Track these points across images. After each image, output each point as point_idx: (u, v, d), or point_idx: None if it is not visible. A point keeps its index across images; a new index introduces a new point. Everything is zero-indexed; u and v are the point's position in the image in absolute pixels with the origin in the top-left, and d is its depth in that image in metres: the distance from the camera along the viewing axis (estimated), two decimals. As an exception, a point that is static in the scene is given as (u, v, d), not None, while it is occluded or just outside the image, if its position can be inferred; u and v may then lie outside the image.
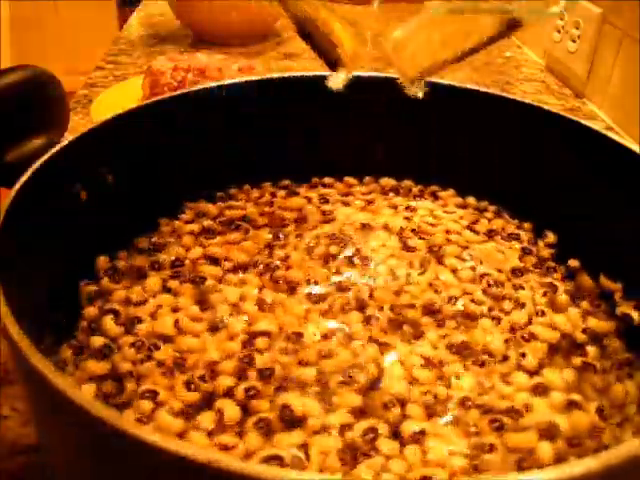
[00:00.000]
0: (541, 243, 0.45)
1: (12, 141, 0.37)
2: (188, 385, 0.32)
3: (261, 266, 0.40)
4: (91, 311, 0.37)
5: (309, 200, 0.48)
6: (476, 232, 0.46)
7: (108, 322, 0.36)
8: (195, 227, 0.44)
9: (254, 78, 0.49)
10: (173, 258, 0.41)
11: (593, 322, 0.39)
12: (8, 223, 0.30)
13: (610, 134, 0.41)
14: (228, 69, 0.70)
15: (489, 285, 0.41)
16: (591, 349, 0.37)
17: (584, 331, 0.38)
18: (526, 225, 0.47)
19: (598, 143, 0.41)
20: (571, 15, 0.84)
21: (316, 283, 0.39)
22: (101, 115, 0.62)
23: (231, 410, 0.31)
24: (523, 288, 0.41)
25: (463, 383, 0.34)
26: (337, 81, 0.38)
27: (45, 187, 0.34)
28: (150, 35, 1.01)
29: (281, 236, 0.43)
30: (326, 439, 0.30)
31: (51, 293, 0.37)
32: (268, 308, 0.37)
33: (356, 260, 0.41)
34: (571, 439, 0.31)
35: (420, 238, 0.44)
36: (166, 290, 0.39)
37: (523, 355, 0.35)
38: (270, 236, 0.43)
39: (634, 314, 0.38)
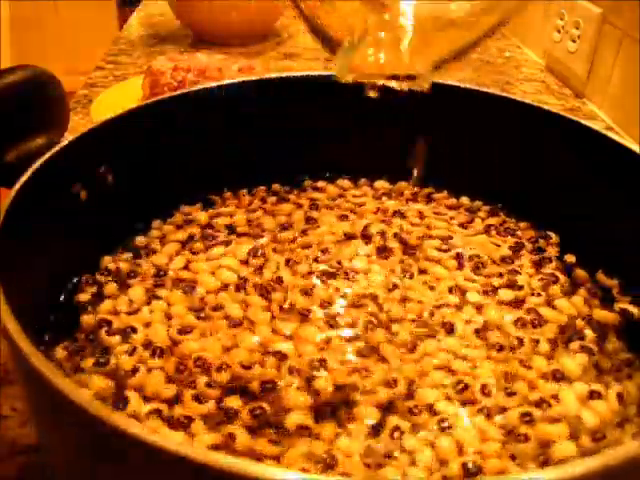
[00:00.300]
0: (542, 241, 0.45)
1: (12, 141, 0.37)
2: (196, 398, 0.32)
3: (251, 285, 0.39)
4: (88, 319, 0.37)
5: (299, 206, 0.47)
6: (465, 227, 0.46)
7: (102, 334, 0.35)
8: (182, 235, 0.44)
9: (254, 78, 0.49)
10: (156, 267, 0.41)
11: (596, 311, 0.39)
12: (8, 223, 0.30)
13: (610, 134, 0.41)
14: (228, 69, 0.70)
15: (477, 267, 0.42)
16: (588, 333, 0.38)
17: (584, 318, 0.39)
18: (522, 225, 0.47)
19: (598, 143, 0.41)
20: (571, 15, 0.84)
21: (326, 306, 0.38)
22: (101, 115, 0.62)
23: (242, 437, 0.30)
24: (519, 273, 0.42)
25: (485, 371, 0.34)
26: (340, 68, 0.34)
27: (45, 187, 0.34)
28: (150, 35, 1.01)
29: (260, 251, 0.42)
30: (348, 442, 0.30)
31: (51, 293, 0.38)
32: (284, 335, 0.36)
33: (341, 274, 0.40)
34: (595, 433, 0.31)
35: (400, 242, 0.44)
36: (155, 298, 0.38)
37: (537, 341, 0.36)
38: (251, 246, 0.42)
39: (634, 309, 0.38)
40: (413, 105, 0.48)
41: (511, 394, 0.33)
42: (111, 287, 0.39)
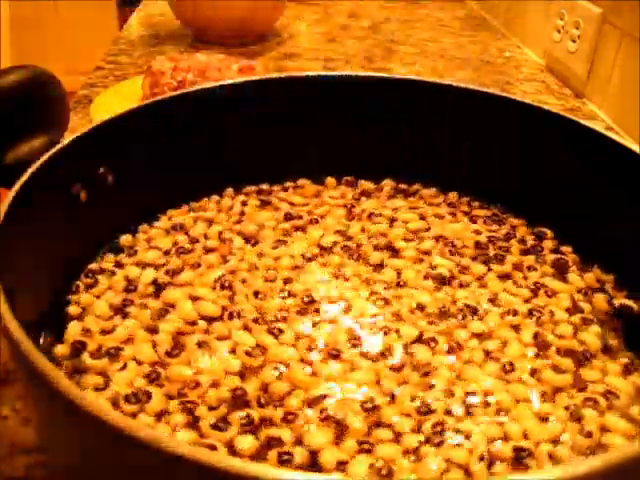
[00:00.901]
0: (533, 237, 0.46)
1: (12, 141, 0.37)
2: (215, 426, 0.30)
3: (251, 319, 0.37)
4: (62, 349, 0.35)
5: (276, 210, 0.47)
6: (441, 217, 0.47)
7: (87, 360, 0.34)
8: (167, 242, 0.43)
9: (254, 78, 0.49)
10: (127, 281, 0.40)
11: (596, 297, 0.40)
12: (8, 223, 0.30)
13: (610, 134, 0.41)
14: (228, 69, 0.70)
15: (452, 253, 0.43)
16: (586, 306, 0.39)
17: (579, 291, 0.41)
18: (515, 221, 0.47)
19: (598, 143, 0.41)
20: (571, 15, 0.84)
21: (355, 343, 0.36)
22: (101, 115, 0.62)
23: None
24: (504, 257, 0.43)
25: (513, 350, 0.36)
26: None
27: (45, 187, 0.34)
28: (150, 35, 1.01)
29: (226, 282, 0.39)
30: (388, 447, 0.30)
31: (51, 293, 0.37)
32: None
33: (315, 306, 0.38)
34: None
35: (348, 253, 0.43)
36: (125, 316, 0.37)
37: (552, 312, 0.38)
38: (219, 273, 0.40)
39: (633, 304, 0.39)
40: (413, 105, 0.48)
41: (561, 372, 0.34)
42: (89, 298, 0.38)
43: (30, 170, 0.33)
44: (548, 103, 0.81)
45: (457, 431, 0.30)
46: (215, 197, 0.48)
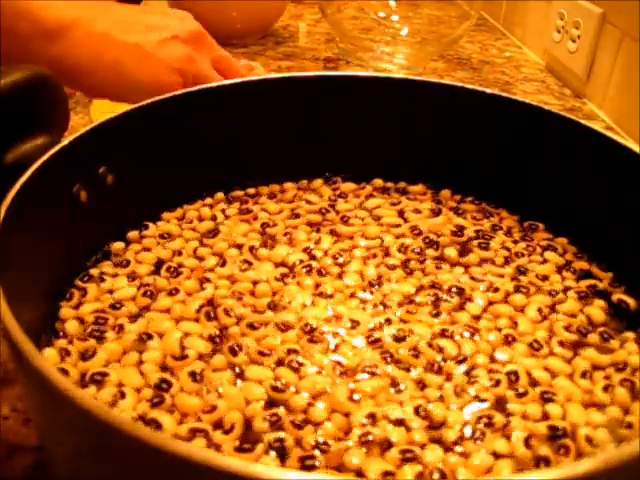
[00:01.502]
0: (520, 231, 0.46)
1: (12, 141, 0.37)
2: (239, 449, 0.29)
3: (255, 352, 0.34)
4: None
5: (255, 217, 0.46)
6: (419, 211, 0.47)
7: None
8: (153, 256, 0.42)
9: (254, 78, 0.49)
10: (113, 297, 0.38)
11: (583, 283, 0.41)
12: (8, 223, 0.30)
13: (610, 134, 0.41)
14: (228, 69, 0.70)
15: (427, 242, 0.44)
16: (583, 283, 0.41)
17: (569, 269, 0.42)
18: (507, 215, 0.47)
19: (598, 143, 0.41)
20: (571, 15, 0.84)
21: (387, 358, 0.34)
22: (101, 115, 0.61)
23: None
24: (488, 242, 0.44)
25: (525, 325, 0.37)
26: None
27: (45, 187, 0.34)
28: (150, 35, 1.01)
29: (211, 313, 0.37)
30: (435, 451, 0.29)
31: (51, 293, 0.38)
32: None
33: (320, 330, 0.36)
34: None
35: (319, 274, 0.40)
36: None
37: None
38: (199, 302, 0.38)
39: (630, 300, 0.39)
40: (413, 105, 0.48)
41: (602, 350, 0.35)
42: (69, 312, 0.37)
43: (30, 170, 0.33)
44: (548, 103, 0.81)
45: (508, 415, 0.31)
46: (208, 200, 0.48)
